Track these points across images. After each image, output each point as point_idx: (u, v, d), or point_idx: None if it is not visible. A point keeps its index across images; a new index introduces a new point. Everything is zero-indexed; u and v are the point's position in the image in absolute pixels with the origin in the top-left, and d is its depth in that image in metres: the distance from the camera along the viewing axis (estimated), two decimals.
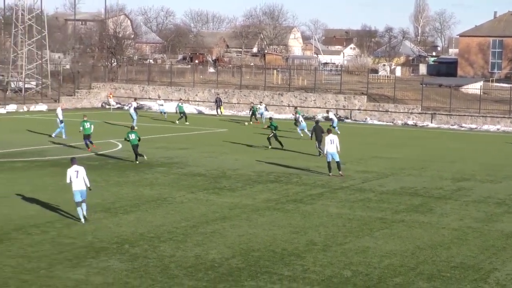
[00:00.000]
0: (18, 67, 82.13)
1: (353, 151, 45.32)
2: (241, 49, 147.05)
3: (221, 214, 25.89)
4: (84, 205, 24.18)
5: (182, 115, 60.96)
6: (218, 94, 74.06)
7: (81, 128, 41.93)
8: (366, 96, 71.73)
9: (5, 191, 28.94)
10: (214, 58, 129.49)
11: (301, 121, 52.37)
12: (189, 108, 74.76)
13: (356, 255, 20.82)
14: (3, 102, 71.74)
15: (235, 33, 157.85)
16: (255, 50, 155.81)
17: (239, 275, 18.69)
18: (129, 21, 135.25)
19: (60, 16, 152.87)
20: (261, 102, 66.72)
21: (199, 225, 24.07)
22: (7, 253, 19.99)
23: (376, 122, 68.67)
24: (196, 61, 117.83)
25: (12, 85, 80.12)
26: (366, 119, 69.45)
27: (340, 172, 34.93)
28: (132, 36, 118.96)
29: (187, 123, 60.13)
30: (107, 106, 75.66)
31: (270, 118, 48.09)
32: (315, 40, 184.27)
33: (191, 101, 76.91)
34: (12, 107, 70.94)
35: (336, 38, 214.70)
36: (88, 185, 24.51)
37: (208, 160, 39.36)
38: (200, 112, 73.23)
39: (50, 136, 47.84)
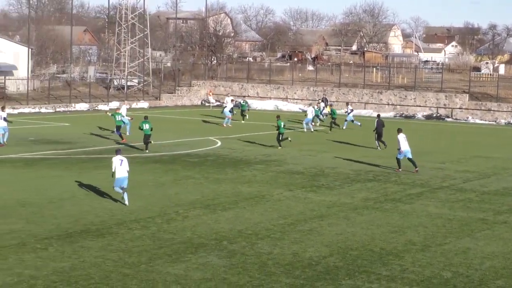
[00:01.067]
0: (121, 65, 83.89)
1: (453, 150, 44.58)
2: (340, 47, 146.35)
3: (318, 212, 25.84)
4: (125, 194, 26.06)
5: (243, 113, 60.09)
6: (325, 94, 73.65)
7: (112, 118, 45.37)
8: (468, 95, 70.34)
9: (108, 187, 29.53)
10: (313, 56, 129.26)
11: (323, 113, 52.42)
12: (288, 107, 74.93)
13: (456, 256, 20.45)
14: (106, 99, 73.39)
15: (335, 31, 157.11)
16: (354, 48, 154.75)
17: (336, 274, 18.61)
18: (229, 20, 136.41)
19: (162, 14, 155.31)
20: (323, 99, 65.04)
21: (296, 223, 24.08)
22: (109, 247, 20.42)
23: (478, 121, 67.27)
24: (295, 59, 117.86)
25: (115, 83, 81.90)
26: (467, 118, 68.12)
27: (417, 168, 35.13)
28: (232, 35, 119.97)
29: (243, 121, 59.20)
30: (207, 104, 76.53)
31: (278, 116, 44.54)
32: (415, 37, 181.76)
33: (289, 99, 77.00)
34: (114, 104, 72.33)
35: (437, 36, 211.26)
36: (128, 170, 26.78)
37: (307, 158, 39.32)
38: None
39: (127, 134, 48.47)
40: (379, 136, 43.28)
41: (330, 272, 18.71)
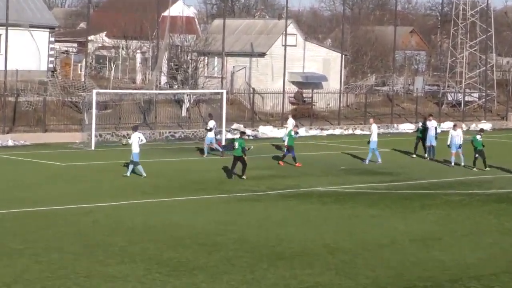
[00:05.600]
0: (457, 75, 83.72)
1: None
2: None
3: None
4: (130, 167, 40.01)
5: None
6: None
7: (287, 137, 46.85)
8: None
9: (438, 231, 29.37)
10: None
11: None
12: None
13: None
14: (438, 117, 73.11)
15: None
16: None
17: None
18: None
19: (510, 10, 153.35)
20: None
21: None
22: None
23: None
24: None
25: (449, 98, 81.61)
26: None
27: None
28: None
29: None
30: None
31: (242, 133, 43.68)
32: None
33: None
34: (446, 125, 71.70)
35: None
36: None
37: None
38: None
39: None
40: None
41: None
